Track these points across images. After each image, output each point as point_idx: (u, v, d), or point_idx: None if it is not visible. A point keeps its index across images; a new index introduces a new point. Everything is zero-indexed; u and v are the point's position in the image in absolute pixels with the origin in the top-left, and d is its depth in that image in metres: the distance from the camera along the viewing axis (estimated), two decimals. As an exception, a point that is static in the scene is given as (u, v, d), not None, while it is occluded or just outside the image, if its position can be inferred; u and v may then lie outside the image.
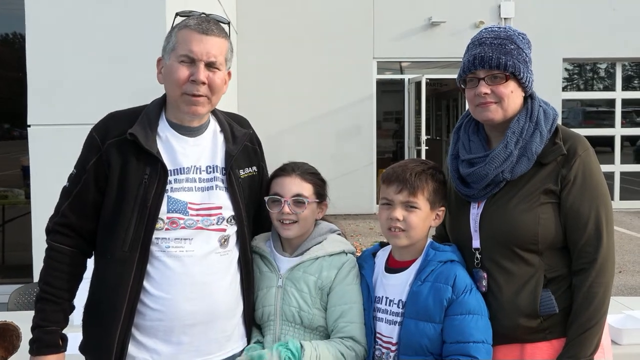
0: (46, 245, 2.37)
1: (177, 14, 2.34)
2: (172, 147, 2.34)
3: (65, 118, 5.42)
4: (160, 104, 2.41)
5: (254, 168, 2.52)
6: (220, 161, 2.41)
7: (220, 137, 2.44)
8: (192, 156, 2.36)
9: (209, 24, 2.28)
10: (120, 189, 2.27)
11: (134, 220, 2.25)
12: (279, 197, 2.49)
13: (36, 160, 5.59)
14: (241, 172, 2.45)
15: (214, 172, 2.38)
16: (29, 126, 5.64)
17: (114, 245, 2.27)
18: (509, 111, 2.32)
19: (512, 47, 2.30)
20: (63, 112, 5.48)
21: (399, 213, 2.37)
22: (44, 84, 5.53)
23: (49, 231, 2.37)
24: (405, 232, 2.38)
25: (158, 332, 2.31)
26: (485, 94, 2.31)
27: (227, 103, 11.25)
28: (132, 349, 2.31)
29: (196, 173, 2.35)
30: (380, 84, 14.25)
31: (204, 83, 2.27)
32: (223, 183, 2.39)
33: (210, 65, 2.28)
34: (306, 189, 2.52)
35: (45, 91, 5.54)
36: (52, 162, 5.33)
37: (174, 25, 2.33)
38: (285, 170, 2.54)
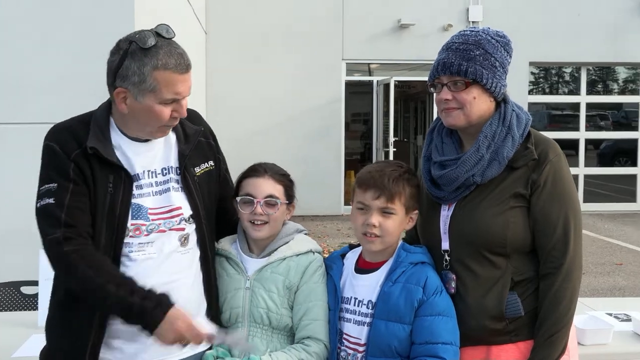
0: (63, 264, 2.18)
1: (132, 42, 2.17)
2: (125, 154, 2.31)
3: (30, 117, 5.35)
4: (107, 111, 2.35)
5: (211, 162, 2.50)
6: (173, 161, 2.39)
7: (173, 137, 2.41)
8: (147, 161, 2.34)
9: (183, 58, 2.21)
10: (90, 201, 2.23)
11: (103, 232, 2.22)
12: (251, 198, 2.49)
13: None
14: (196, 169, 2.43)
15: (169, 173, 2.37)
16: (-7, 124, 5.56)
17: None
18: (473, 117, 2.32)
19: (478, 52, 2.29)
20: (28, 111, 5.42)
21: (376, 219, 2.37)
22: (8, 82, 5.46)
23: (59, 242, 2.16)
24: (380, 237, 2.38)
25: (123, 333, 2.29)
26: (447, 100, 2.32)
27: (196, 104, 11.19)
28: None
29: (152, 177, 2.34)
30: (349, 85, 14.29)
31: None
32: (178, 183, 2.37)
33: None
34: (278, 190, 2.52)
35: (8, 89, 5.47)
36: (15, 160, 5.25)
37: (140, 57, 2.16)
38: (257, 171, 2.54)
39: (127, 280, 2.18)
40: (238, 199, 2.51)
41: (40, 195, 2.24)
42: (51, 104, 5.30)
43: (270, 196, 2.50)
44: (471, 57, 2.28)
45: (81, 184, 2.22)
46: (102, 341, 2.26)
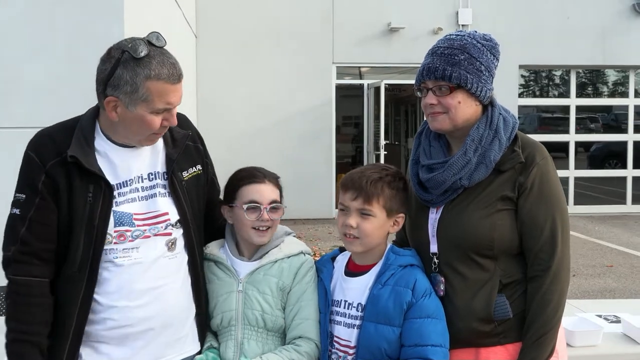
0: (7, 280, 2.22)
1: (124, 51, 2.17)
2: (111, 161, 2.31)
3: (22, 121, 5.33)
4: (93, 117, 2.34)
5: (199, 167, 2.50)
6: (161, 166, 2.38)
7: (160, 142, 2.40)
8: (133, 166, 2.33)
9: (176, 68, 2.22)
10: (69, 210, 2.23)
11: (82, 241, 2.22)
12: (258, 205, 2.49)
13: (-10, 164, 5.49)
14: (184, 174, 2.43)
15: (155, 178, 2.36)
16: (-17, 129, 5.54)
17: (65, 266, 2.24)
18: (458, 121, 2.33)
19: (463, 57, 2.30)
20: (20, 115, 5.40)
21: (353, 220, 2.38)
22: (0, 86, 5.44)
23: (9, 262, 2.23)
24: (359, 239, 2.38)
25: (112, 339, 2.30)
26: (432, 104, 2.33)
27: (186, 107, 11.19)
28: (85, 350, 2.29)
29: (138, 182, 2.33)
30: (340, 88, 14.30)
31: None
32: (165, 188, 2.37)
33: None
34: (276, 194, 2.55)
35: (1, 93, 5.45)
36: (6, 166, 5.24)
37: (132, 66, 2.16)
38: (257, 177, 2.54)
39: (29, 340, 2.19)
40: (245, 206, 2.49)
41: (12, 203, 2.27)
42: (45, 107, 5.29)
43: (275, 201, 2.53)
44: (456, 62, 2.29)
45: (48, 198, 2.22)
46: (78, 353, 2.27)
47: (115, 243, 2.26)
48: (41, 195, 2.22)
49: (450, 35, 2.39)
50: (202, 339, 2.51)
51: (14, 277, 2.22)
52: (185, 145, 2.44)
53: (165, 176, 2.37)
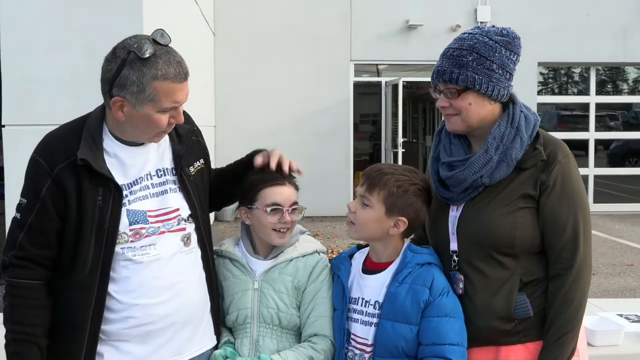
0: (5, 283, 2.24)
1: (130, 52, 2.15)
2: (121, 160, 2.31)
3: (40, 118, 5.37)
4: (100, 118, 2.34)
5: (201, 161, 2.51)
6: (168, 162, 2.39)
7: (165, 138, 2.40)
8: (142, 164, 2.34)
9: (182, 67, 2.20)
10: (78, 214, 2.23)
11: (92, 244, 2.22)
12: (280, 207, 2.49)
13: (11, 161, 5.54)
14: (191, 169, 2.44)
15: (164, 174, 2.37)
16: (4, 126, 5.59)
17: (74, 270, 2.24)
18: (472, 122, 2.32)
19: (471, 57, 2.27)
20: (39, 112, 5.44)
21: (353, 204, 2.44)
22: (19, 84, 5.49)
23: (6, 266, 2.25)
24: (355, 225, 2.43)
25: (134, 337, 2.31)
26: (444, 106, 2.33)
27: (204, 105, 11.21)
28: (107, 349, 2.29)
29: (148, 179, 2.34)
30: (357, 86, 14.29)
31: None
32: (175, 184, 2.38)
33: None
34: (296, 195, 2.56)
35: (20, 91, 5.49)
36: (26, 163, 5.28)
37: (138, 66, 2.14)
38: (278, 179, 2.53)
39: (27, 340, 2.21)
40: (268, 209, 2.49)
41: (16, 207, 2.28)
42: (62, 105, 5.32)
43: (295, 203, 2.54)
44: (463, 64, 2.27)
45: (50, 205, 2.22)
46: (95, 354, 2.28)
47: (131, 242, 2.27)
48: (43, 201, 2.22)
49: (463, 34, 2.36)
50: (217, 333, 2.52)
51: (12, 280, 2.24)
52: (190, 141, 2.45)
53: (174, 172, 2.38)
